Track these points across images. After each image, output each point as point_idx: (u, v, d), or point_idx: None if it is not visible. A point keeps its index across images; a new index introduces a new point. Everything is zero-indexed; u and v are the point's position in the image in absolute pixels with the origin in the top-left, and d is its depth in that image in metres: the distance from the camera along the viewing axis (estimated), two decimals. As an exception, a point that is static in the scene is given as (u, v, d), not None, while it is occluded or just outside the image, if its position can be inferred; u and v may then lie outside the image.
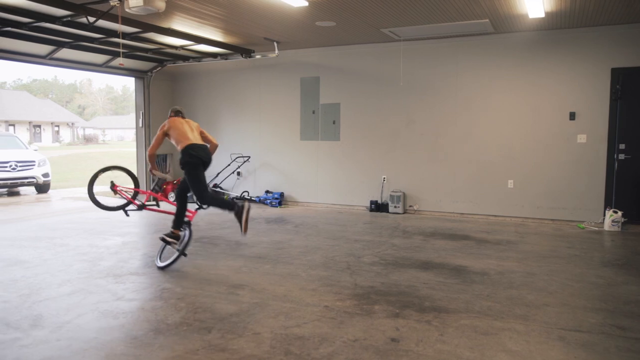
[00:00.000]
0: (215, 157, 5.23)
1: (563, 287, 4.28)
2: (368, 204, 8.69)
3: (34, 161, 11.65)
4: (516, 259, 5.29)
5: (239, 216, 4.66)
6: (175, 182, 5.31)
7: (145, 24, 6.68)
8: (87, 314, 3.61)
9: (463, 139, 8.01)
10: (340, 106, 8.91)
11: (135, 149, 10.54)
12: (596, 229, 6.98)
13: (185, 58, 9.41)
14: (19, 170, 11.31)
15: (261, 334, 3.26)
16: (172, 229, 4.93)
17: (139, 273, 4.71)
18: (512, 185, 7.71)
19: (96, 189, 5.02)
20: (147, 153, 5.10)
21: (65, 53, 8.07)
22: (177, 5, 5.93)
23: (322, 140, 9.11)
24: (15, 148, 12.20)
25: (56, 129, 42.08)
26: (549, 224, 7.41)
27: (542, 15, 6.32)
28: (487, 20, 6.68)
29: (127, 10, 5.23)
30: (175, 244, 4.85)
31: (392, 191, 8.41)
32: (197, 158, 4.74)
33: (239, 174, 9.87)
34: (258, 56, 8.95)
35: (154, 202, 5.61)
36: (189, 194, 5.01)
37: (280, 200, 9.22)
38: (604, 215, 7.02)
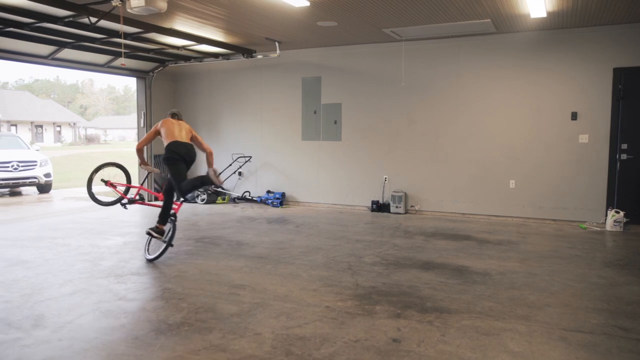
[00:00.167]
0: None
1: (565, 288, 4.27)
2: (369, 204, 8.69)
3: (35, 161, 11.68)
4: (518, 259, 5.28)
5: (210, 179, 5.02)
6: None
7: (146, 24, 6.68)
8: (88, 314, 3.62)
9: (464, 139, 8.00)
10: (341, 106, 8.90)
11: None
12: (598, 229, 6.97)
13: (186, 58, 9.41)
14: (20, 171, 11.34)
15: (262, 334, 3.26)
16: (157, 224, 5.21)
17: (140, 273, 4.72)
18: (514, 186, 7.70)
19: (94, 188, 5.37)
20: (136, 148, 5.53)
21: (67, 53, 8.08)
22: (179, 5, 5.94)
23: (323, 141, 9.11)
24: (17, 148, 12.23)
25: (58, 129, 42.14)
26: (550, 224, 7.40)
27: (544, 15, 6.31)
28: (489, 20, 6.67)
29: (128, 10, 5.24)
30: (160, 238, 5.15)
31: (394, 191, 8.41)
32: (176, 154, 5.12)
33: (240, 174, 9.87)
34: (259, 56, 8.95)
35: (140, 197, 5.90)
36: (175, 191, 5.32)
37: (281, 200, 9.22)
38: (606, 215, 7.01)
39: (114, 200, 5.70)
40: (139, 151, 5.52)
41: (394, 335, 3.25)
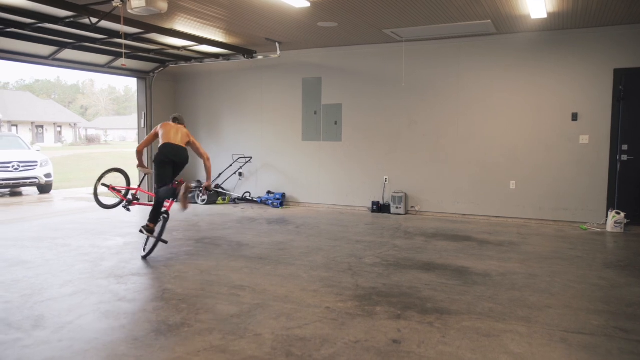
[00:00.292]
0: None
1: (565, 289, 4.27)
2: (370, 205, 8.68)
3: (36, 161, 11.69)
4: (518, 260, 5.28)
5: (179, 199, 5.18)
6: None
7: (147, 25, 6.69)
8: (88, 315, 3.62)
9: (465, 140, 8.00)
10: (342, 107, 8.90)
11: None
12: (599, 230, 6.96)
13: (187, 59, 9.41)
14: (21, 171, 11.34)
15: (262, 335, 3.25)
16: (148, 222, 5.33)
17: (140, 274, 4.71)
18: (514, 186, 7.70)
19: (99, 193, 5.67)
20: (136, 149, 5.75)
21: (67, 54, 8.08)
22: (179, 6, 5.94)
23: (323, 141, 9.11)
24: (17, 148, 12.24)
25: (58, 129, 42.18)
26: (551, 225, 7.39)
27: (545, 15, 6.31)
28: (489, 21, 6.67)
29: (129, 11, 5.25)
30: (150, 235, 5.30)
31: (394, 192, 8.40)
32: (165, 156, 5.29)
33: (240, 174, 9.87)
34: (260, 57, 8.95)
35: (135, 198, 6.07)
36: None
37: (281, 201, 9.22)
38: (607, 216, 7.00)
39: (116, 203, 5.97)
40: (139, 153, 5.70)
41: (394, 336, 3.24)
